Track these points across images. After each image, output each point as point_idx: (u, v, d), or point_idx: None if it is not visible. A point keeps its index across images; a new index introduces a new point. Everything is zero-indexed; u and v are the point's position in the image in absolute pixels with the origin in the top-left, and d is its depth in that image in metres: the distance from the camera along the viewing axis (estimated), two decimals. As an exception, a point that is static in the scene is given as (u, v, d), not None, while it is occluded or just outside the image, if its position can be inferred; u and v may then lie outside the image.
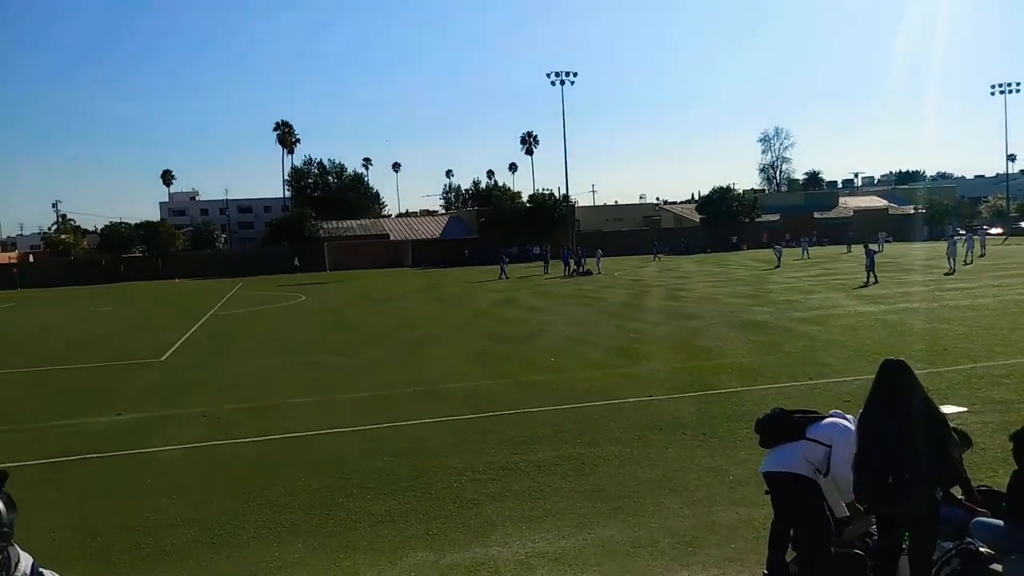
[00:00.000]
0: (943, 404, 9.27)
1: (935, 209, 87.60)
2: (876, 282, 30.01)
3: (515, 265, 51.54)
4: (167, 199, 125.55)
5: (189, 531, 7.21)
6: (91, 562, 6.64)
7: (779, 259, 48.47)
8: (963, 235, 50.26)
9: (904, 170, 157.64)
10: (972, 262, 39.65)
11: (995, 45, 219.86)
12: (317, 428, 10.93)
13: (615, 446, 9.25)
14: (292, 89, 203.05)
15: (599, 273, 47.51)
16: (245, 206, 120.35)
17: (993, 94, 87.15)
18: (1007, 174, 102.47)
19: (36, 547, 6.97)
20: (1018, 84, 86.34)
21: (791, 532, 5.61)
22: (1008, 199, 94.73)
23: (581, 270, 48.37)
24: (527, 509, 7.34)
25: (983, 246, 47.37)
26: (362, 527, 7.12)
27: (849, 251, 56.99)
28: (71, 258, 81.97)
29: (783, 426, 5.43)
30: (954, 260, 36.12)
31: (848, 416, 5.36)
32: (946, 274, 33.39)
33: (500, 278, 46.99)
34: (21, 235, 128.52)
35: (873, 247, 33.72)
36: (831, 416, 5.44)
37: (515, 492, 7.83)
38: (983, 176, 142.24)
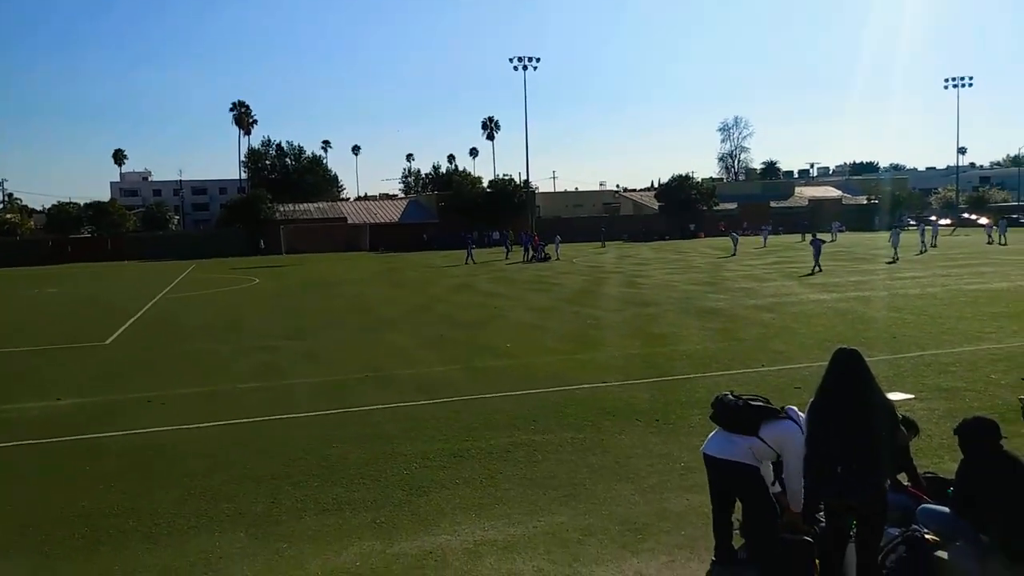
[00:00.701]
0: (891, 391, 9.38)
1: (887, 200, 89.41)
2: (820, 271, 30.64)
3: (476, 250, 51.39)
4: (119, 179, 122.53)
5: (127, 521, 6.96)
6: (24, 554, 6.38)
7: (735, 247, 48.99)
8: (914, 225, 51.37)
9: (859, 161, 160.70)
10: (925, 251, 40.56)
11: (950, 40, 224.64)
12: (266, 414, 10.69)
13: (568, 432, 9.18)
14: (250, 69, 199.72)
15: (557, 259, 47.56)
16: (200, 187, 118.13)
17: (947, 88, 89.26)
18: (957, 166, 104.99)
19: (-38, 538, 6.71)
20: (971, 79, 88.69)
21: (732, 518, 5.61)
22: (957, 191, 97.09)
23: (540, 255, 48.37)
24: (477, 497, 7.23)
25: (935, 236, 48.64)
26: (308, 516, 6.94)
27: (804, 240, 57.91)
28: (16, 238, 79.56)
29: (738, 417, 5.37)
30: (897, 249, 37.42)
31: (801, 415, 5.31)
32: (889, 262, 34.25)
33: (467, 263, 46.68)
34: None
35: (822, 237, 34.29)
36: (787, 415, 5.36)
37: (466, 479, 7.71)
38: (935, 168, 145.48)
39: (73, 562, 6.20)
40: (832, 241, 57.33)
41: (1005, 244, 46.31)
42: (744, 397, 5.49)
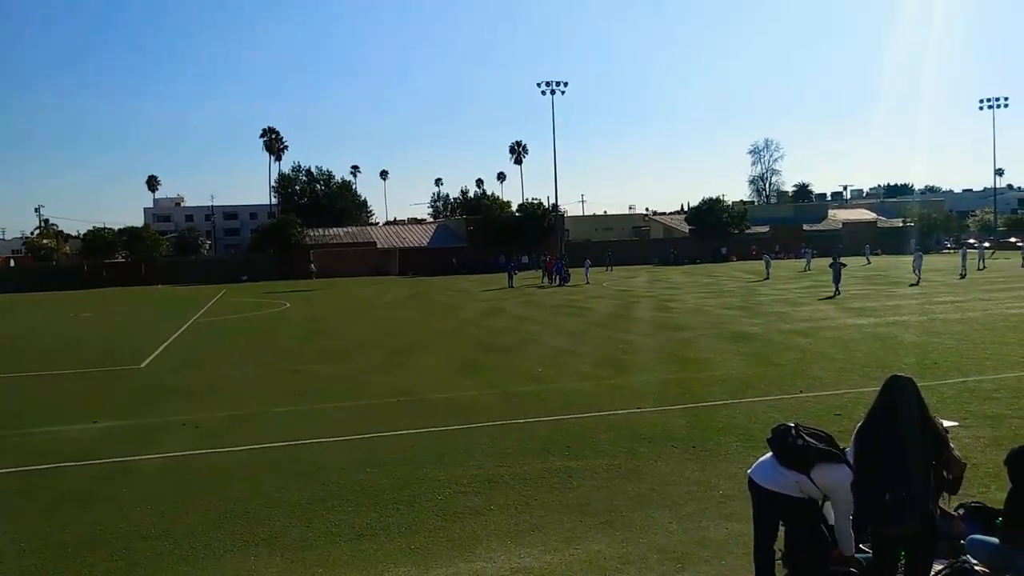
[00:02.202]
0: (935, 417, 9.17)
1: (924, 222, 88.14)
2: (838, 294, 30.90)
3: (503, 274, 51.48)
4: (152, 204, 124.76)
5: (163, 543, 6.98)
6: (61, 574, 6.41)
7: (768, 270, 48.48)
8: (951, 248, 50.51)
9: (893, 183, 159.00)
10: (965, 275, 39.89)
11: (984, 60, 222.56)
12: (299, 438, 10.70)
13: (603, 459, 9.07)
14: (280, 95, 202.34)
15: (587, 283, 47.39)
16: (231, 212, 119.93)
17: (982, 108, 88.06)
18: (995, 188, 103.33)
19: (4, 558, 6.77)
20: (1007, 99, 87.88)
21: (774, 547, 5.45)
22: (996, 213, 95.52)
23: (564, 277, 48.31)
24: (512, 523, 7.14)
25: (981, 259, 48.34)
26: (342, 541, 6.90)
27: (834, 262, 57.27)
28: (53, 263, 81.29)
29: (793, 454, 5.18)
30: (919, 272, 37.84)
31: None
32: (911, 285, 34.53)
33: (509, 286, 46.72)
34: (3, 240, 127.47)
35: (842, 260, 34.07)
36: (844, 459, 5.09)
37: (500, 505, 7.63)
38: (971, 190, 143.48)
39: (110, 585, 6.21)
40: (866, 264, 56.65)
41: None
42: (806, 433, 5.21)
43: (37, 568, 6.56)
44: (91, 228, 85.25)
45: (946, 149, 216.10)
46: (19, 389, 16.21)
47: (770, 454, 5.38)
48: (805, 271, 51.40)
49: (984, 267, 46.67)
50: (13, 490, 8.92)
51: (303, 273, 68.65)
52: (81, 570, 6.49)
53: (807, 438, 5.16)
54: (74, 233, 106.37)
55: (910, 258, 40.97)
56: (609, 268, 65.75)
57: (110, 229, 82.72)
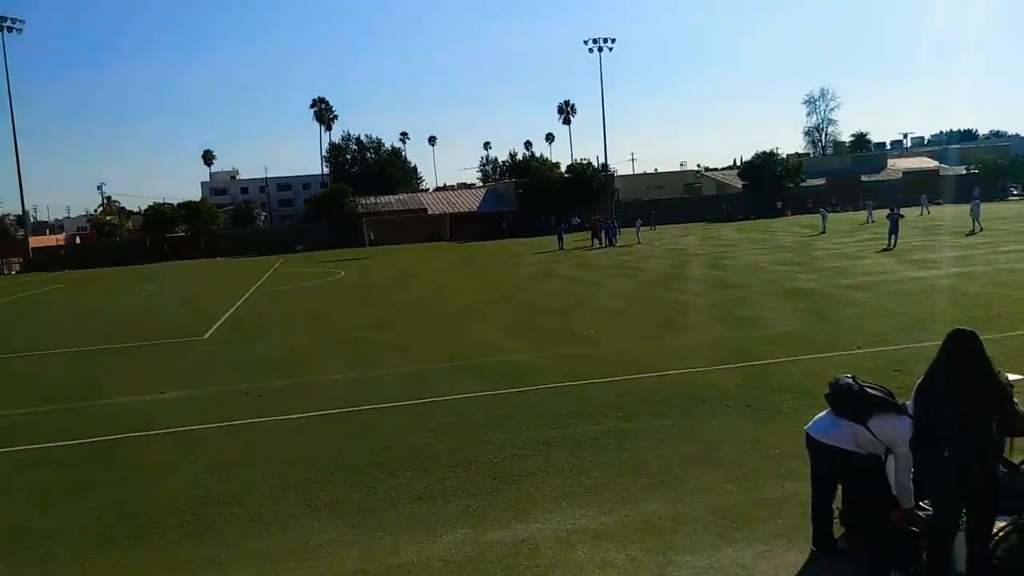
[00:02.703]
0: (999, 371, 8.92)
1: (988, 169, 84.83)
2: (893, 247, 29.94)
3: (553, 237, 51.38)
4: (208, 179, 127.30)
5: (231, 509, 7.24)
6: (135, 540, 6.69)
7: (824, 224, 47.43)
8: (1017, 195, 48.59)
9: (956, 129, 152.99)
10: None
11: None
12: (357, 404, 10.93)
13: (657, 419, 9.08)
14: (329, 65, 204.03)
15: (639, 243, 46.99)
16: (284, 183, 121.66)
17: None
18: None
19: (82, 526, 7.10)
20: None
21: (833, 504, 5.41)
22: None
23: (611, 237, 47.84)
24: (567, 485, 7.22)
25: None
26: (402, 504, 7.07)
27: (921, 212, 56.13)
28: (116, 239, 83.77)
29: (848, 402, 5.13)
30: (979, 221, 36.47)
31: None
32: (968, 235, 33.51)
33: (559, 248, 46.62)
34: (68, 218, 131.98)
35: (900, 211, 33.01)
36: (906, 411, 5.02)
37: (555, 468, 7.71)
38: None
39: (182, 549, 6.47)
40: (924, 214, 55.10)
41: None
42: (865, 385, 5.18)
43: (113, 535, 6.86)
44: (152, 204, 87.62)
45: (1013, 92, 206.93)
46: (88, 362, 16.84)
47: (828, 409, 5.33)
48: (867, 223, 50.08)
49: None
50: (88, 460, 9.32)
51: (356, 241, 69.50)
52: (154, 536, 6.77)
53: (864, 387, 5.11)
54: (135, 209, 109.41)
55: (969, 206, 39.63)
56: (653, 227, 64.74)
57: (170, 204, 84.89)
